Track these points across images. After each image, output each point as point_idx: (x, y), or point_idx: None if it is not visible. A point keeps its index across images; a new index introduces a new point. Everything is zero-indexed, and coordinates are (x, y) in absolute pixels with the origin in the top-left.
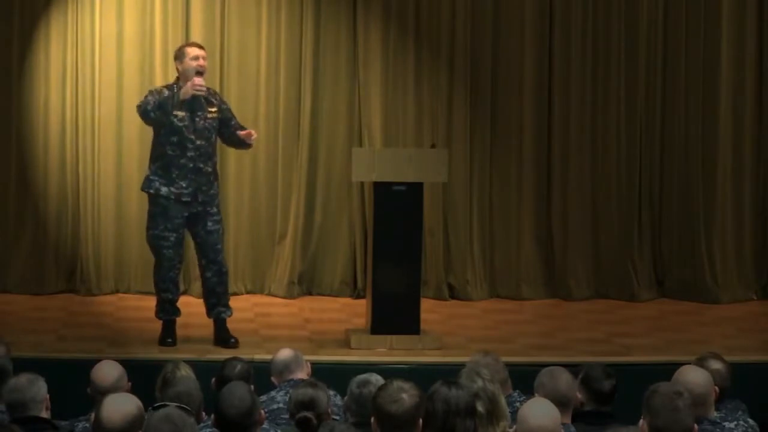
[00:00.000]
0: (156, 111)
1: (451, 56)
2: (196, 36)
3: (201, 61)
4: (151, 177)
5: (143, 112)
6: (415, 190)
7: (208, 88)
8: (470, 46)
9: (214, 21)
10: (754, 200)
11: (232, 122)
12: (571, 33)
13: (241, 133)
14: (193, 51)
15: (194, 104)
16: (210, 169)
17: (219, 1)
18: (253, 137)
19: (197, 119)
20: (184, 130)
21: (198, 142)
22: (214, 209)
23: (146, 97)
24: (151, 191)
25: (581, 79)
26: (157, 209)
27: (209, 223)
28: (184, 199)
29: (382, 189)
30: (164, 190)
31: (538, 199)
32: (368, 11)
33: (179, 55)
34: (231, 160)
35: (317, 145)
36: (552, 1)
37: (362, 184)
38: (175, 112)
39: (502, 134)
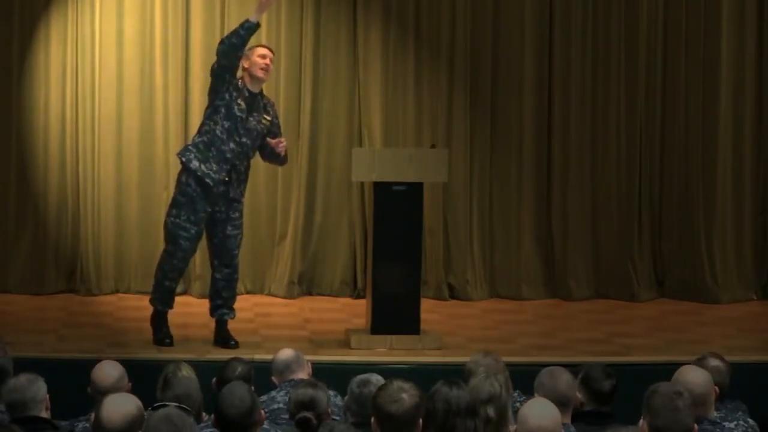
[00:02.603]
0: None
1: (451, 56)
2: (196, 36)
3: (268, 61)
4: (190, 147)
5: (222, 41)
6: (415, 190)
7: (268, 99)
8: (470, 46)
9: (214, 21)
10: (754, 200)
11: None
12: (571, 33)
13: (272, 140)
14: (261, 50)
15: (254, 104)
16: (242, 169)
17: (219, 1)
18: (281, 145)
19: (251, 119)
20: (239, 122)
21: (243, 139)
22: (237, 214)
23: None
24: (184, 159)
25: (581, 79)
26: (184, 199)
27: (229, 228)
28: (207, 181)
29: (382, 189)
30: (195, 164)
31: (538, 199)
32: (368, 11)
33: (248, 55)
34: None
35: (317, 145)
36: (552, 1)
37: (362, 184)
38: (238, 101)
39: (502, 134)
